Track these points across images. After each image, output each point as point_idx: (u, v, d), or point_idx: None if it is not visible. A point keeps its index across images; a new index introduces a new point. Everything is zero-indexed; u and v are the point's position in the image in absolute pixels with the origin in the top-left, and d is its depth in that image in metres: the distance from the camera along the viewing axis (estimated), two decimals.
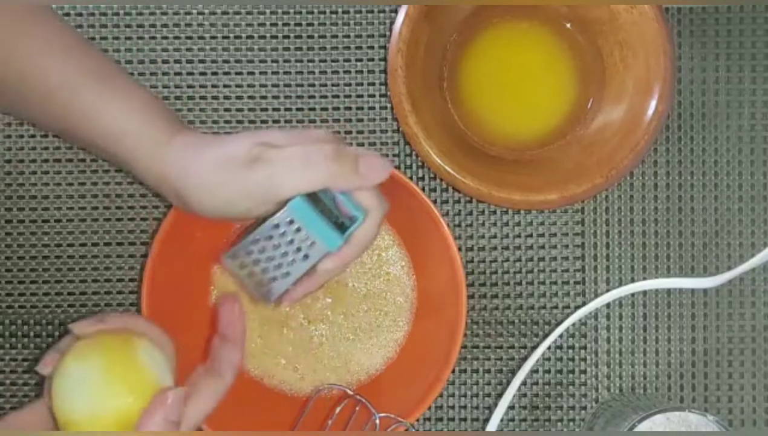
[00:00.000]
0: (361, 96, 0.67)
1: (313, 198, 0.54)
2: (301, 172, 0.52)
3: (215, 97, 0.67)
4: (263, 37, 0.67)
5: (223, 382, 0.55)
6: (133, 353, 0.52)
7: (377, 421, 0.63)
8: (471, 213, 0.68)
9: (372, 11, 0.67)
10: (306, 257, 0.54)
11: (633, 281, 0.67)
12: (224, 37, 0.67)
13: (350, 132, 0.67)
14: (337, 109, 0.67)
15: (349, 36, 0.67)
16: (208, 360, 0.56)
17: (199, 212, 0.54)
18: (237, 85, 0.67)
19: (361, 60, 0.67)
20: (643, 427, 0.58)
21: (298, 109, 0.67)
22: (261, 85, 0.67)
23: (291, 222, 0.54)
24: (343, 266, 0.56)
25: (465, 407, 0.68)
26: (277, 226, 0.54)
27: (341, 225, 0.55)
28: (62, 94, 0.54)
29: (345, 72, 0.67)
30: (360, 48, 0.67)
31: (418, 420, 0.67)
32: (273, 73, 0.67)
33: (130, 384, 0.51)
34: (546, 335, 0.67)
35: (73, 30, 0.57)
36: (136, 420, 0.50)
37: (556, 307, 0.68)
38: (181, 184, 0.53)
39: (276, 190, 0.52)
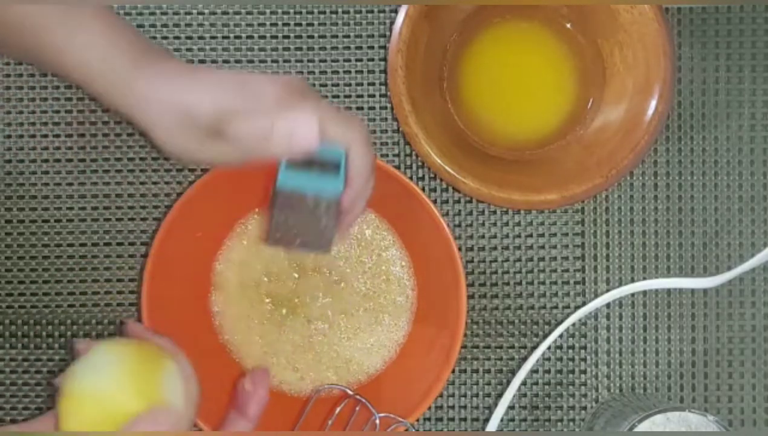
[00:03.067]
0: (361, 96, 0.67)
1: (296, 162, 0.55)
2: (261, 148, 0.52)
3: None
4: (263, 37, 0.67)
5: None
6: (158, 370, 0.54)
7: (377, 421, 0.63)
8: (471, 213, 0.68)
9: (372, 11, 0.67)
10: (327, 207, 0.55)
11: (633, 281, 0.67)
12: (224, 37, 0.67)
13: None
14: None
15: (349, 36, 0.67)
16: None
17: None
18: None
19: (361, 60, 0.67)
20: (643, 427, 0.58)
21: None
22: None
23: (291, 195, 0.54)
24: (360, 201, 0.56)
25: (465, 407, 0.68)
26: (284, 206, 0.55)
27: (335, 167, 0.55)
28: (32, 31, 0.53)
29: (345, 72, 0.67)
30: (360, 48, 0.67)
31: (418, 420, 0.67)
32: (273, 73, 0.67)
33: (141, 393, 0.52)
34: (546, 335, 0.67)
35: None
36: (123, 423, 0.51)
37: (556, 307, 0.68)
38: (148, 129, 0.53)
39: (239, 160, 0.53)
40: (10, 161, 0.67)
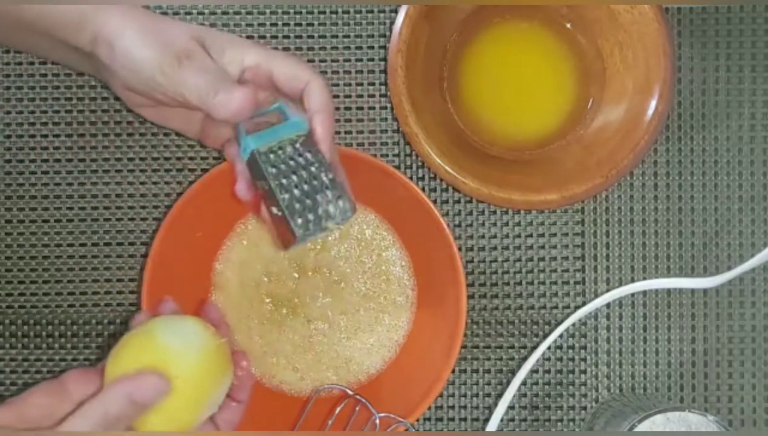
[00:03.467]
0: (361, 96, 0.67)
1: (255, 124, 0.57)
2: (207, 96, 0.54)
3: None
4: (263, 37, 0.67)
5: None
6: (222, 376, 0.55)
7: (377, 421, 0.63)
8: (471, 213, 0.68)
9: (372, 11, 0.67)
10: (308, 151, 0.56)
11: (633, 281, 0.67)
12: None
13: (350, 132, 0.67)
14: (337, 109, 0.67)
15: (349, 36, 0.67)
16: None
17: (120, 75, 0.55)
18: None
19: (361, 60, 0.67)
20: (643, 427, 0.58)
21: None
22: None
23: (270, 151, 0.55)
24: (330, 130, 0.57)
25: (465, 407, 0.68)
26: (273, 166, 0.55)
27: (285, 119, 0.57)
28: None
29: (345, 72, 0.67)
30: (360, 48, 0.67)
31: (418, 420, 0.67)
32: None
33: (198, 379, 0.53)
34: (546, 335, 0.67)
35: None
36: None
37: (556, 307, 0.68)
38: (116, 41, 0.54)
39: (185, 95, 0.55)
40: (9, 161, 0.67)
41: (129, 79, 0.55)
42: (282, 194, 0.54)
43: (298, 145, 0.56)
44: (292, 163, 0.55)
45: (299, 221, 0.54)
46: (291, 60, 0.57)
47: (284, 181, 0.55)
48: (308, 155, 0.55)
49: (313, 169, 0.55)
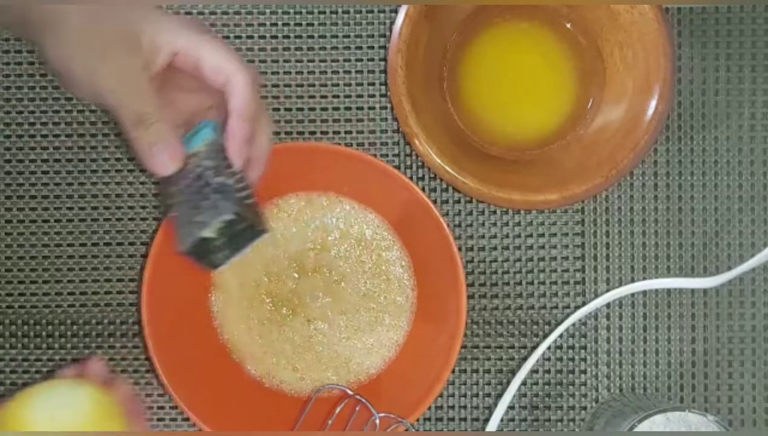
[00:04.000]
0: (361, 96, 0.67)
1: None
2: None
3: None
4: (263, 37, 0.67)
5: None
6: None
7: (377, 421, 0.63)
8: (471, 213, 0.68)
9: (372, 11, 0.67)
10: (209, 157, 0.54)
11: (633, 281, 0.67)
12: (224, 37, 0.67)
13: (350, 132, 0.67)
14: (337, 109, 0.67)
15: (349, 36, 0.67)
16: None
17: (41, 42, 0.53)
18: None
19: (361, 60, 0.67)
20: (643, 427, 0.58)
21: (298, 109, 0.67)
22: (261, 86, 0.67)
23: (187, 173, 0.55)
24: (239, 136, 0.55)
25: (465, 407, 0.68)
26: (174, 184, 0.55)
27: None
28: None
29: (345, 72, 0.67)
30: (360, 48, 0.67)
31: (418, 420, 0.67)
32: (273, 73, 0.67)
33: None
34: (546, 335, 0.67)
35: None
36: None
37: (556, 307, 0.68)
38: (59, 21, 0.52)
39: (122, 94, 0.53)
40: (9, 161, 0.67)
41: (50, 49, 0.53)
42: (175, 211, 0.54)
43: (201, 153, 0.54)
44: (191, 175, 0.54)
45: (180, 235, 0.53)
46: (219, 50, 0.54)
47: (181, 198, 0.54)
48: (207, 162, 0.54)
49: (206, 173, 0.53)
